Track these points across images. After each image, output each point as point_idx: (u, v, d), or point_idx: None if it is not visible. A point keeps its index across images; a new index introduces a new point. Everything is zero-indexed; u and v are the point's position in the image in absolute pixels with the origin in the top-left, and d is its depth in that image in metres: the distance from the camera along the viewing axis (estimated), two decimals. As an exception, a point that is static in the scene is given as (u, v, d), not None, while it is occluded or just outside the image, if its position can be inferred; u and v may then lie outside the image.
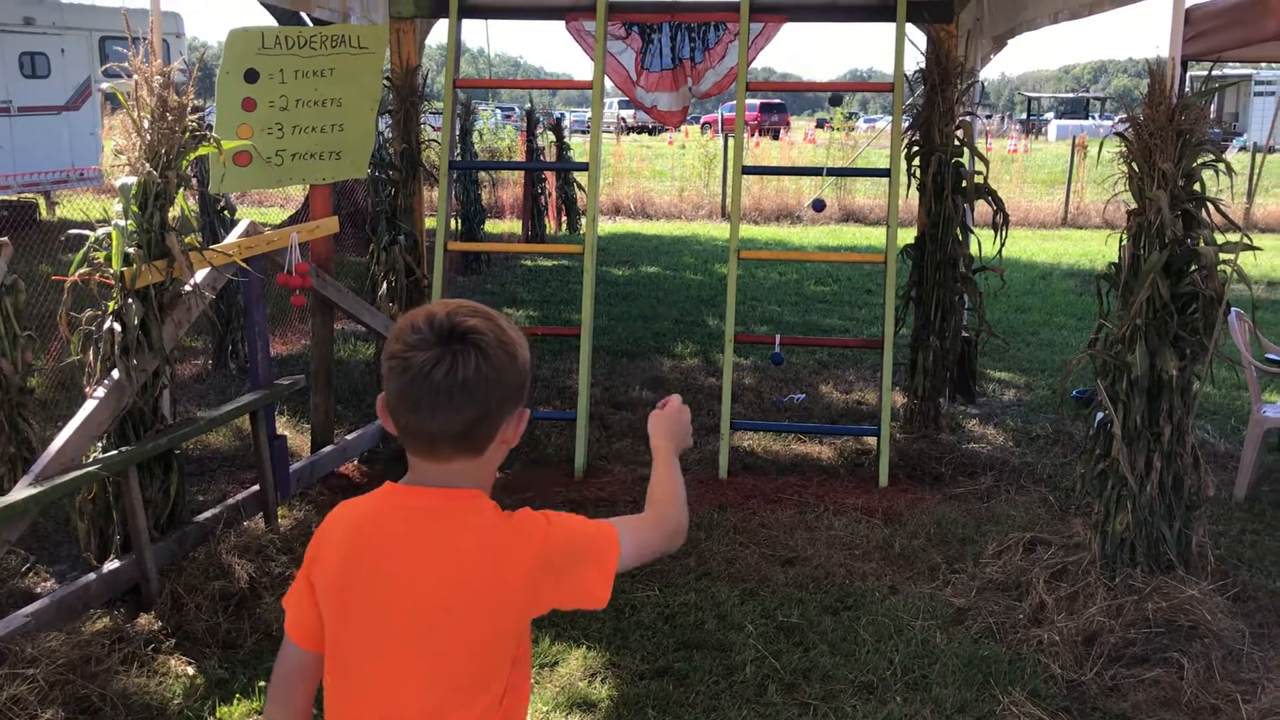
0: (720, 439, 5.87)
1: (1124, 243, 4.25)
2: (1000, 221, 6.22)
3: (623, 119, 45.27)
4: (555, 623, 4.17)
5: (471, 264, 12.41)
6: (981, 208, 6.72)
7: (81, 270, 4.24)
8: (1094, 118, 47.87)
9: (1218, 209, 4.14)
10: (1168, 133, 4.01)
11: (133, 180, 4.25)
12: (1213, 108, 4.26)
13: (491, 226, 14.78)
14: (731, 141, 14.39)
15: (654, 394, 7.38)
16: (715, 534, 5.02)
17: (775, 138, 34.79)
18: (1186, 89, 4.25)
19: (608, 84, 6.35)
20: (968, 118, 6.33)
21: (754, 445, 6.37)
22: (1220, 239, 4.11)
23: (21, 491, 3.79)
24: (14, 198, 13.80)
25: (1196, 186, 4.12)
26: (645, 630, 4.14)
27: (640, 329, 9.43)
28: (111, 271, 4.24)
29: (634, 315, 10.00)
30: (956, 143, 6.18)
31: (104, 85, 4.44)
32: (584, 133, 31.36)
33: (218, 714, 3.57)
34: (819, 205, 6.85)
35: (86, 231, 4.28)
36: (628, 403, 7.17)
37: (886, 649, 3.99)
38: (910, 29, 6.12)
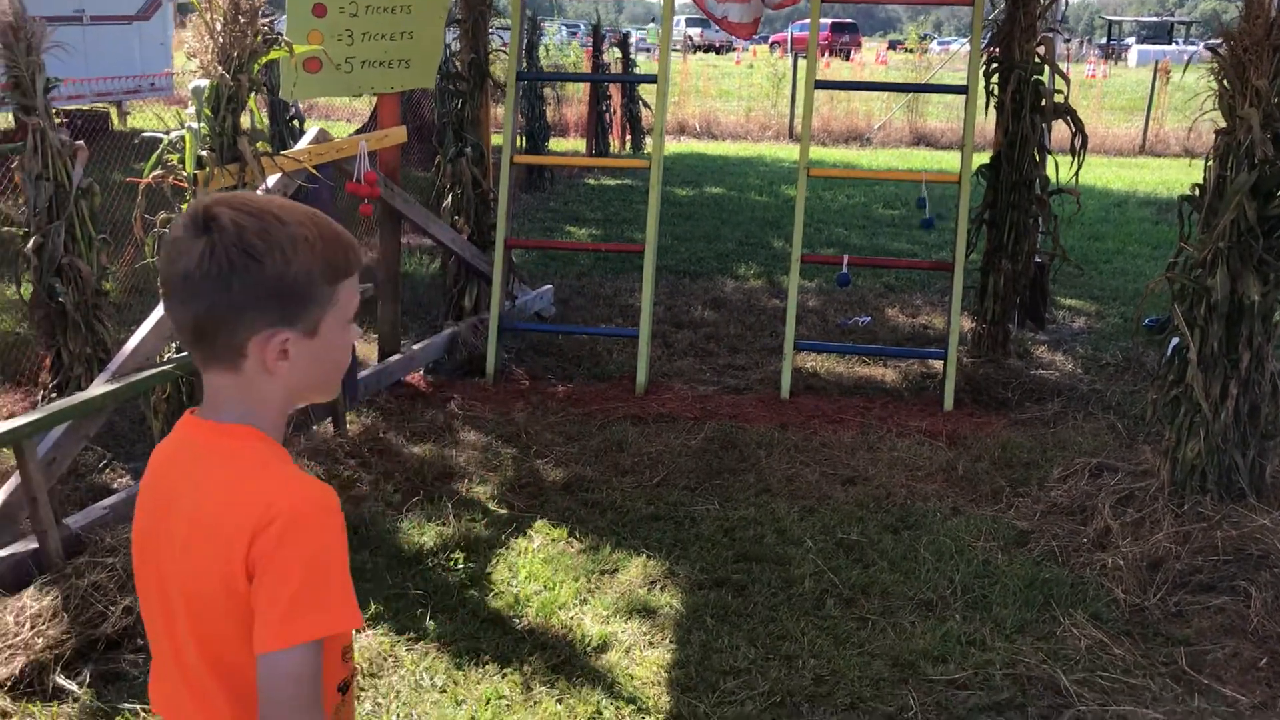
0: (783, 359, 5.84)
1: (1210, 163, 4.11)
2: (1079, 144, 6.04)
3: (689, 37, 44.56)
4: (615, 530, 4.21)
5: (536, 181, 12.38)
6: (1058, 132, 6.53)
7: (155, 173, 4.29)
8: (1178, 43, 46.06)
9: (1312, 129, 3.98)
10: (1264, 47, 3.84)
11: (205, 83, 4.26)
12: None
13: (555, 144, 14.69)
14: (801, 61, 14.09)
15: (716, 314, 7.36)
16: (775, 452, 5.02)
17: (846, 58, 34.08)
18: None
19: (678, -5, 6.23)
20: (1049, 34, 6.13)
21: (817, 366, 6.33)
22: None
23: (99, 388, 3.89)
24: (87, 107, 13.95)
25: (1291, 105, 3.96)
26: (705, 542, 4.17)
27: (703, 249, 9.36)
28: (185, 174, 4.28)
29: (697, 235, 9.93)
30: (1037, 59, 6.00)
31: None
32: (648, 50, 30.90)
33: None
34: (927, 218, 6.47)
35: (160, 134, 4.33)
36: (689, 322, 7.15)
37: (947, 568, 3.99)
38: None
